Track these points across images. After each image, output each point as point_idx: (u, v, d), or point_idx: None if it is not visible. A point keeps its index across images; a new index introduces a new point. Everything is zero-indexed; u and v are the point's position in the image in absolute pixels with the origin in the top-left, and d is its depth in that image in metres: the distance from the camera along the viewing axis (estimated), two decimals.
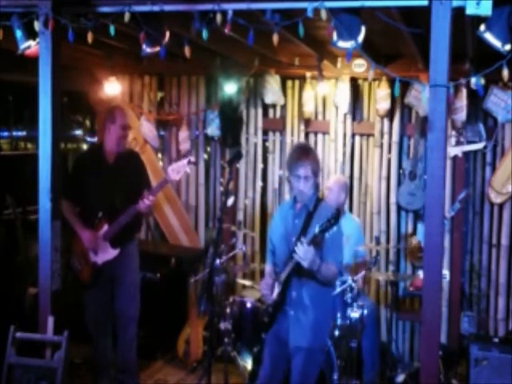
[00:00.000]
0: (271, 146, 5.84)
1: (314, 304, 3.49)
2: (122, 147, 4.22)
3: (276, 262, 3.65)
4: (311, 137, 5.66)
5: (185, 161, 3.94)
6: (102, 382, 4.35)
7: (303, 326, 3.47)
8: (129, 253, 4.26)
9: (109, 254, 4.13)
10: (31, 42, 3.49)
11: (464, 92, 4.84)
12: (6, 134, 9.24)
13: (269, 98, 5.57)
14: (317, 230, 3.21)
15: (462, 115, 4.90)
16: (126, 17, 3.24)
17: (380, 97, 5.20)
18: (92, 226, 4.14)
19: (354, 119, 5.49)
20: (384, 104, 5.19)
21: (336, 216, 3.21)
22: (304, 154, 3.51)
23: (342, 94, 5.32)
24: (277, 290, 3.50)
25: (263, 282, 3.62)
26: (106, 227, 4.10)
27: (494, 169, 5.09)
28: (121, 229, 4.07)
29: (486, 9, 2.71)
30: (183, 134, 5.86)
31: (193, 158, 3.98)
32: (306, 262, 3.24)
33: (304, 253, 3.22)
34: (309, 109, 5.44)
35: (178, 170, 3.92)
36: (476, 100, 4.90)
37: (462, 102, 4.88)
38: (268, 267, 3.74)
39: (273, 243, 3.70)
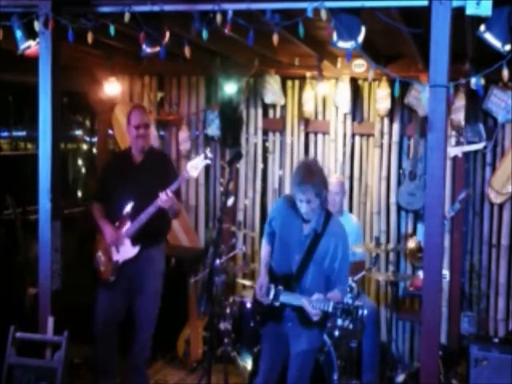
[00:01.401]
0: (271, 146, 5.83)
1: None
2: (142, 146, 4.21)
3: (273, 250, 3.60)
4: (311, 137, 5.66)
5: (202, 156, 3.94)
6: (103, 383, 4.35)
7: (301, 334, 3.46)
8: (151, 257, 4.21)
9: (129, 251, 4.11)
10: (31, 42, 3.49)
11: (462, 92, 4.84)
12: (6, 133, 9.23)
13: (269, 98, 5.57)
14: (330, 308, 3.15)
15: (460, 115, 4.90)
16: (126, 17, 3.24)
17: (380, 97, 5.20)
18: (117, 224, 4.15)
19: (354, 119, 5.49)
20: (384, 104, 5.19)
21: (354, 311, 3.12)
22: (306, 176, 3.28)
23: (342, 94, 5.32)
24: (272, 297, 3.46)
25: (259, 283, 3.57)
26: (128, 224, 4.10)
27: (494, 169, 5.09)
28: (143, 227, 4.04)
29: (486, 9, 2.71)
30: (183, 134, 5.86)
31: (210, 153, 3.97)
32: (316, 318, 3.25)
33: (313, 315, 3.23)
34: (308, 108, 5.44)
35: (196, 166, 3.92)
36: (476, 100, 4.90)
37: (461, 101, 4.88)
38: (265, 247, 3.66)
39: (272, 228, 3.61)
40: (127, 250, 4.12)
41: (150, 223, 4.03)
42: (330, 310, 3.15)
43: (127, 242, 4.11)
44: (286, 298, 3.41)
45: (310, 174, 3.30)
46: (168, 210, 4.05)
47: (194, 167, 3.92)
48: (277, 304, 3.44)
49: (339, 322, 3.21)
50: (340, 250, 3.38)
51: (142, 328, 4.27)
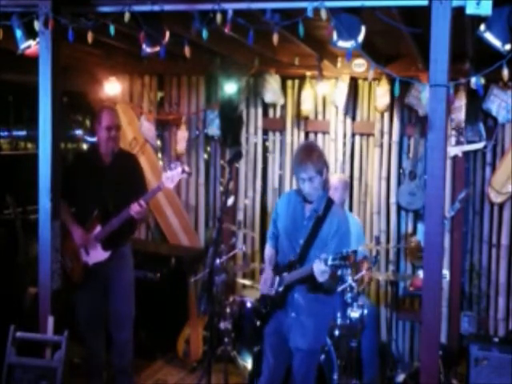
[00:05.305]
0: (271, 146, 5.84)
1: (316, 307, 3.50)
2: (112, 148, 4.15)
3: (278, 249, 3.64)
4: (311, 136, 5.65)
5: (179, 169, 3.89)
6: (94, 383, 4.34)
7: (304, 329, 3.48)
8: (122, 256, 4.23)
9: (100, 255, 4.09)
10: (31, 42, 3.49)
11: (463, 92, 4.84)
12: (6, 133, 9.24)
13: (268, 98, 5.57)
14: (330, 261, 3.16)
15: (460, 115, 4.90)
16: (126, 17, 3.24)
17: (379, 94, 5.19)
18: (86, 226, 4.11)
19: (353, 119, 5.49)
20: (383, 99, 5.17)
21: (352, 256, 3.13)
22: (306, 154, 3.40)
23: (340, 92, 5.32)
24: (277, 285, 3.49)
25: (263, 278, 3.59)
26: (98, 228, 4.07)
27: (493, 169, 5.09)
28: (113, 231, 4.04)
29: (485, 9, 2.71)
30: (182, 133, 5.86)
31: (187, 168, 3.94)
32: (322, 279, 3.24)
33: (321, 273, 3.21)
34: (306, 107, 5.43)
35: (173, 178, 3.88)
36: (476, 100, 4.89)
37: (461, 101, 4.88)
38: (268, 250, 3.71)
39: (277, 228, 3.66)
40: (98, 254, 4.10)
41: (121, 226, 4.03)
42: (330, 262, 3.15)
43: (98, 246, 4.09)
44: (291, 276, 3.43)
45: (310, 153, 3.42)
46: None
47: (170, 179, 3.88)
48: (280, 289, 3.48)
49: (339, 271, 3.27)
50: (341, 232, 3.43)
51: (118, 328, 4.24)
